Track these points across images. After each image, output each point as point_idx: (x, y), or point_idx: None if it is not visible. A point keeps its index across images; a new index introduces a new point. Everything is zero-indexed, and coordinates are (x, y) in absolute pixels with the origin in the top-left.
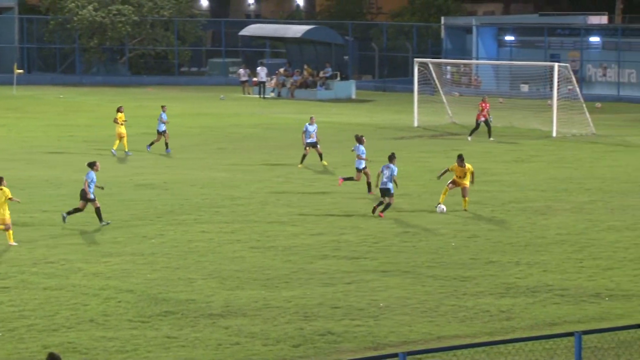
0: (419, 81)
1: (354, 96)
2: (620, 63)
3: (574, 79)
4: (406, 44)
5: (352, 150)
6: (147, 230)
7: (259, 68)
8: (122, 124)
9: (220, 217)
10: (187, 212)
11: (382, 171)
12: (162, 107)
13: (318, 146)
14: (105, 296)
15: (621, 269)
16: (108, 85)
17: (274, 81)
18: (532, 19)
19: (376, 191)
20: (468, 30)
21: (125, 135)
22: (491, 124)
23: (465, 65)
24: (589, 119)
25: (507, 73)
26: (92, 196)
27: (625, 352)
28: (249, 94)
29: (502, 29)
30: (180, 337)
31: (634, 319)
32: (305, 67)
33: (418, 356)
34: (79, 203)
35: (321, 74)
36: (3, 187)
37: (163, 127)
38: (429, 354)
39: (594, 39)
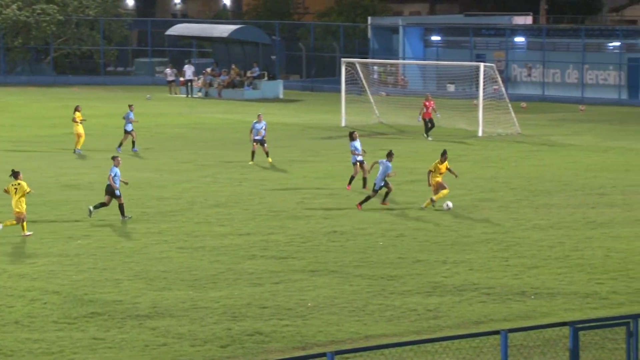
0: (346, 81)
1: (281, 96)
2: (545, 63)
3: (499, 79)
4: (333, 44)
5: (354, 151)
6: (73, 231)
7: (185, 67)
8: (80, 123)
9: (147, 217)
10: (113, 213)
11: (378, 164)
12: (129, 106)
13: (265, 145)
14: (31, 297)
15: (546, 267)
16: (33, 85)
17: (201, 81)
18: (458, 19)
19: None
20: (394, 30)
21: (83, 134)
22: (436, 122)
23: (392, 65)
24: (515, 119)
25: (433, 73)
26: (118, 192)
27: (551, 350)
28: (175, 93)
29: (429, 29)
30: (107, 339)
31: (558, 317)
32: (233, 66)
33: (346, 355)
34: (104, 198)
35: (248, 74)
36: (20, 181)
37: (131, 127)
38: (357, 353)
39: (519, 39)
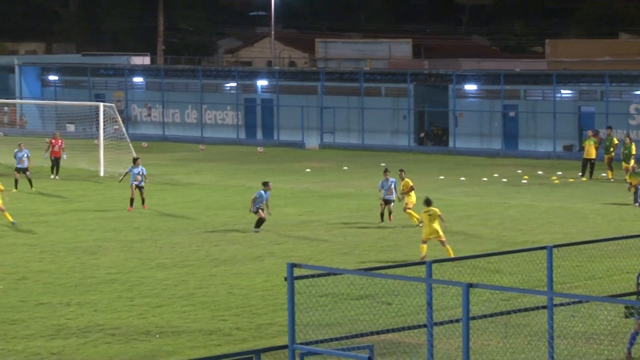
0: None
1: None
2: (164, 103)
3: (119, 118)
4: None
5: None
6: None
7: None
8: None
9: None
10: None
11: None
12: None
13: None
14: None
15: (170, 306)
16: None
17: None
18: (76, 59)
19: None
20: (10, 69)
21: None
22: (63, 161)
23: (8, 105)
24: None
25: (52, 113)
26: (253, 210)
27: None
28: None
29: (46, 69)
30: None
31: (183, 355)
32: None
33: None
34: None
35: None
36: (432, 208)
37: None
38: None
39: (138, 79)
